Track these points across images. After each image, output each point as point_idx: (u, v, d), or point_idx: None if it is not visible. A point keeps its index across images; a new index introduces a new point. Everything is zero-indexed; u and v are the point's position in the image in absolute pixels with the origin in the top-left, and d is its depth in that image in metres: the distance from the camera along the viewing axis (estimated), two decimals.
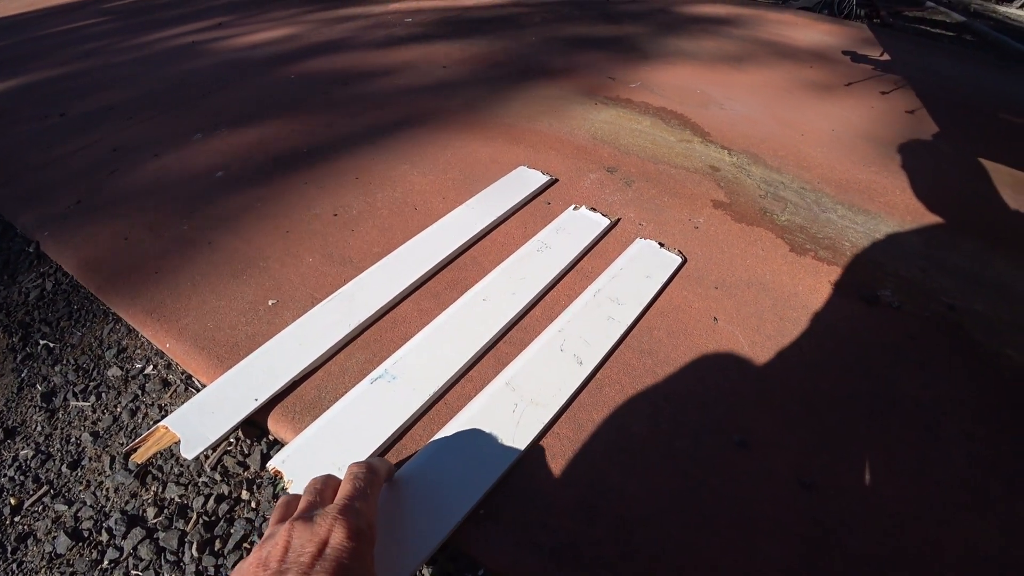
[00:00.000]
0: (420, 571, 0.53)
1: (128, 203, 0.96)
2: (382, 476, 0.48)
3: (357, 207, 0.94)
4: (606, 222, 0.89)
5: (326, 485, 0.45)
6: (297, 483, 0.55)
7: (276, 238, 0.88)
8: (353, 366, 0.68)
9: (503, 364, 0.68)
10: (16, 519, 0.61)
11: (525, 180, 0.99)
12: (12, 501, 0.62)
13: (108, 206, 0.96)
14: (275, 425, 0.62)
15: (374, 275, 0.79)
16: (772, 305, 0.78)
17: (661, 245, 0.85)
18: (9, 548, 0.59)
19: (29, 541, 0.59)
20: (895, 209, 0.99)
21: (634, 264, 0.81)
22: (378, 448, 0.58)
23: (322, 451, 0.57)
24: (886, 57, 1.69)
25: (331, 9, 2.08)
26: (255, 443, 0.65)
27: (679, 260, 0.83)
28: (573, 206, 0.92)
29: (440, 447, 0.58)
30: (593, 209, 0.91)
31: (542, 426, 0.60)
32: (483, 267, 0.82)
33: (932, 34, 2.06)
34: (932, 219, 0.97)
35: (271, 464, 0.57)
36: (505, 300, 0.75)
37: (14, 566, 0.57)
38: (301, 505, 0.42)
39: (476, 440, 0.58)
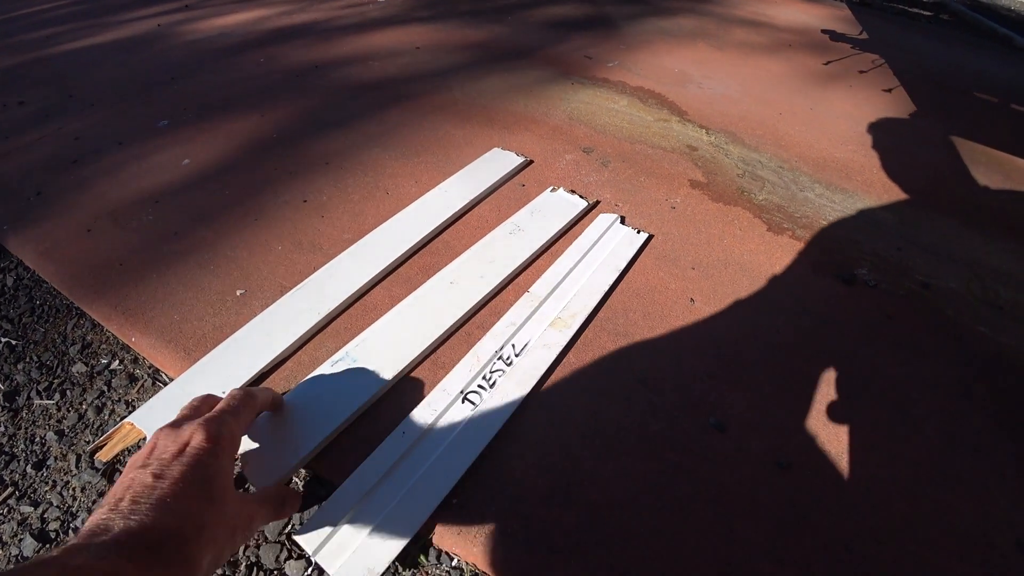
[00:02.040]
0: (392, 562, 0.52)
1: (91, 193, 0.93)
2: (258, 401, 0.52)
3: (327, 192, 0.92)
4: (584, 204, 0.88)
5: (203, 402, 0.49)
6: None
7: (244, 226, 0.85)
8: (323, 356, 0.66)
9: (470, 347, 0.67)
10: None
11: (499, 162, 0.97)
12: None
13: (70, 197, 0.92)
14: None
15: (343, 262, 0.77)
16: (750, 285, 0.78)
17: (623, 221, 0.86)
18: None
19: None
20: (872, 188, 0.99)
21: (602, 242, 0.81)
22: (338, 427, 0.57)
23: (275, 434, 0.57)
24: (864, 36, 1.69)
25: None
26: None
27: (645, 237, 0.84)
28: (551, 188, 0.91)
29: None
30: (572, 191, 0.90)
31: None
32: (456, 251, 0.80)
33: (910, 13, 2.05)
34: (908, 197, 0.97)
35: None
36: (473, 283, 0.74)
37: None
38: (175, 417, 0.47)
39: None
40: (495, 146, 1.03)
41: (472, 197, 0.88)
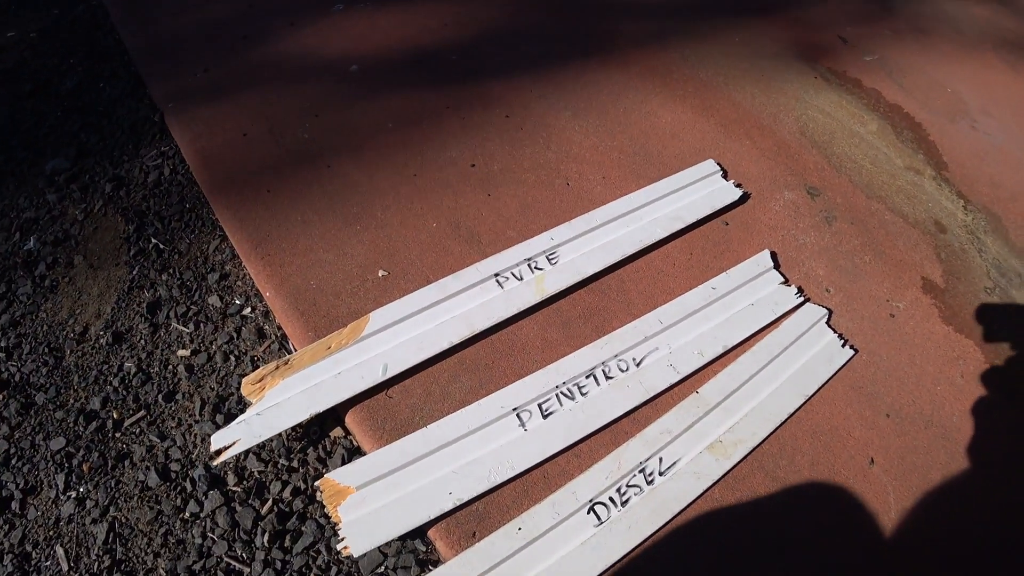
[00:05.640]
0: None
1: (254, 87, 0.87)
2: None
3: (499, 160, 0.81)
4: (797, 301, 0.72)
5: None
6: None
7: (401, 180, 0.77)
8: (456, 392, 0.61)
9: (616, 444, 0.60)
10: (117, 435, 0.63)
11: (710, 188, 0.80)
12: (115, 415, 0.64)
13: (234, 84, 0.87)
14: (356, 426, 0.60)
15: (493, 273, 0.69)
16: (948, 461, 0.63)
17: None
18: (110, 463, 0.61)
19: (126, 463, 0.61)
20: None
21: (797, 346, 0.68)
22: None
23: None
24: None
25: None
26: (337, 444, 0.62)
27: (849, 354, 0.69)
28: (778, 279, 0.74)
29: None
30: (786, 282, 0.74)
31: None
32: (629, 300, 0.70)
33: None
34: None
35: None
36: (662, 370, 0.64)
37: (112, 481, 0.60)
38: None
39: None
40: (707, 145, 0.85)
41: (666, 233, 0.74)
